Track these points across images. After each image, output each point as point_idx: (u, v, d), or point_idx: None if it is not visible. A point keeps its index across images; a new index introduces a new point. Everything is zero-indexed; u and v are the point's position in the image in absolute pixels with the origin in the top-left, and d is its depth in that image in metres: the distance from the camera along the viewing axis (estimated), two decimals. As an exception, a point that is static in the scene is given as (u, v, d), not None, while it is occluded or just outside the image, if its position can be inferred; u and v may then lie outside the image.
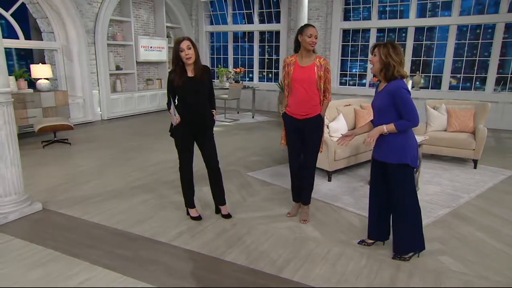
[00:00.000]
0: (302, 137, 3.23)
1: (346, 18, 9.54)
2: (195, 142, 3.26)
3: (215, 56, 11.90)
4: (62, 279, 2.47)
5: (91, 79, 8.32)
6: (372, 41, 9.28)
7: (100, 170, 4.88)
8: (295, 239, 3.05)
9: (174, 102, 3.09)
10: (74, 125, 6.51)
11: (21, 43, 7.41)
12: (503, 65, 8.22)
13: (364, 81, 9.79)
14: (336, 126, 4.84)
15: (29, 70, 6.83)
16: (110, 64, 8.84)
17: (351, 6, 9.41)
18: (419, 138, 3.90)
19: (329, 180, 4.46)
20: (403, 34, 9.04)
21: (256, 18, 10.70)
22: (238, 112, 10.10)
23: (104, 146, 6.20)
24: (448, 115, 5.36)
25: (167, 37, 10.32)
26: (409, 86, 8.16)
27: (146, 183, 4.37)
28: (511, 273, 2.59)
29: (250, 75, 11.31)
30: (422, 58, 8.97)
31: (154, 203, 3.79)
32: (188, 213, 3.44)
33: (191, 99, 3.08)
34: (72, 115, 7.65)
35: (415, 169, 2.84)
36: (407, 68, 8.66)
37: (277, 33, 10.46)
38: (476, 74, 8.50)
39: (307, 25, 3.08)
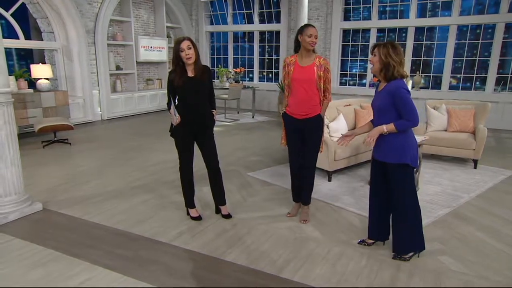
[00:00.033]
0: (302, 137, 3.24)
1: (346, 18, 9.54)
2: (195, 142, 3.26)
3: (215, 56, 11.90)
4: (62, 279, 2.47)
5: (91, 79, 8.33)
6: (372, 41, 9.28)
7: (100, 170, 4.88)
8: (295, 239, 3.06)
9: (174, 102, 3.09)
10: (74, 125, 6.51)
11: (21, 43, 7.41)
12: (503, 65, 8.22)
13: (364, 81, 9.79)
14: (336, 126, 4.84)
15: (29, 70, 6.83)
16: (110, 64, 8.84)
17: (351, 6, 9.41)
18: (419, 138, 3.90)
19: (329, 180, 4.46)
20: (403, 34, 9.04)
21: (256, 18, 10.70)
22: (238, 112, 10.10)
23: (104, 146, 6.20)
24: (448, 115, 5.36)
25: (167, 37, 10.32)
26: (409, 86, 8.17)
27: (146, 183, 4.37)
28: (511, 273, 2.59)
29: (250, 75, 11.31)
30: (422, 58, 8.97)
31: (154, 203, 3.79)
32: (188, 213, 3.44)
33: (191, 99, 3.08)
34: (72, 115, 7.66)
35: (415, 169, 2.85)
36: (407, 68, 8.66)
37: (277, 33, 10.46)
38: (476, 74, 8.50)
39: (307, 25, 3.08)
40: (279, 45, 10.44)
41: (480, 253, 2.84)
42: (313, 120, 3.16)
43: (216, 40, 11.86)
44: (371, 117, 2.78)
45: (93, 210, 3.60)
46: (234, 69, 10.02)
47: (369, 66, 4.27)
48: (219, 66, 10.79)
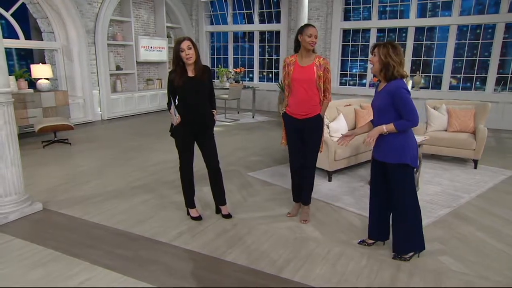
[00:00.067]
0: (302, 137, 3.24)
1: (346, 18, 9.54)
2: (195, 142, 3.26)
3: (215, 56, 11.90)
4: (62, 279, 2.47)
5: (91, 79, 8.33)
6: (372, 41, 9.28)
7: (101, 170, 4.88)
8: (295, 239, 3.05)
9: (175, 102, 3.09)
10: (74, 125, 6.51)
11: (21, 43, 7.41)
12: (503, 65, 8.22)
13: (364, 81, 9.79)
14: (336, 126, 4.84)
15: (29, 70, 6.83)
16: (110, 64, 8.84)
17: (351, 6, 9.41)
18: (419, 138, 3.90)
19: (329, 180, 4.46)
20: (403, 34, 9.04)
21: (256, 18, 10.70)
22: (238, 112, 10.10)
23: (104, 146, 6.20)
24: (449, 115, 5.36)
25: (167, 37, 10.33)
26: (409, 86, 8.17)
27: (147, 183, 4.37)
28: (511, 273, 2.58)
29: (250, 75, 11.32)
30: (422, 58, 8.97)
31: (155, 203, 3.79)
32: (188, 213, 3.44)
33: (192, 99, 3.08)
34: (72, 115, 7.66)
35: (415, 169, 2.84)
36: (407, 68, 8.66)
37: (277, 33, 10.46)
38: (476, 74, 8.50)
39: (307, 25, 3.08)
40: (279, 45, 10.44)
41: (480, 253, 2.84)
42: (313, 120, 3.16)
43: (216, 40, 11.86)
44: (371, 117, 2.78)
45: (93, 210, 3.60)
46: (234, 69, 10.02)
47: (369, 66, 4.28)
48: (219, 66, 10.79)
